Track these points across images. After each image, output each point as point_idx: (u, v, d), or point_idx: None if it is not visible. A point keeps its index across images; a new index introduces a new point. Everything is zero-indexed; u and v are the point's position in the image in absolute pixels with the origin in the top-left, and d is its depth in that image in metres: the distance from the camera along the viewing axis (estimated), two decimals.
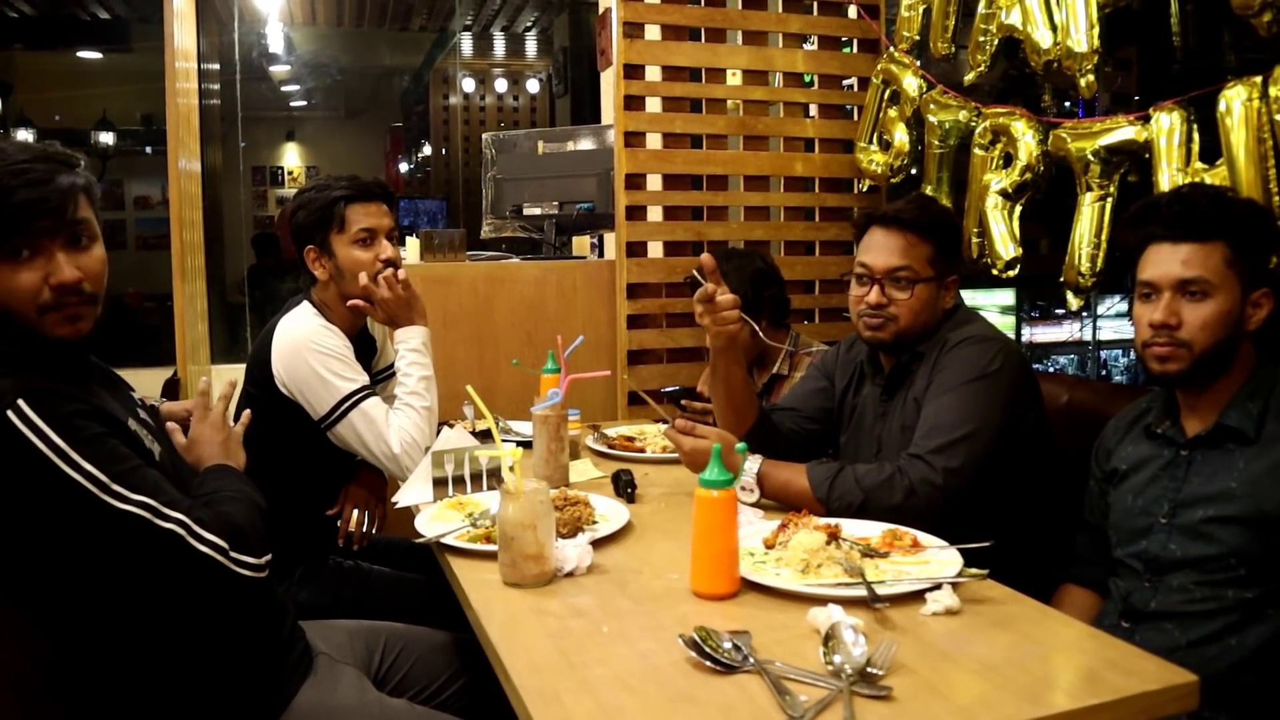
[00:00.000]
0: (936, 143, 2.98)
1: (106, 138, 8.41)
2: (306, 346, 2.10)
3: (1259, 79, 2.09)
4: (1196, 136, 2.27)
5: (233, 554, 1.36)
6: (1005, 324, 9.90)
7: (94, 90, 8.47)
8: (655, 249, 3.25)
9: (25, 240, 1.32)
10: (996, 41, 2.74)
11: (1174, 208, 1.62)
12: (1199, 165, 2.24)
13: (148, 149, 8.47)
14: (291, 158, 9.36)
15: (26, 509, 1.28)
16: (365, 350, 2.32)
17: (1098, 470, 1.83)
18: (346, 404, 2.08)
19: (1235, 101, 2.12)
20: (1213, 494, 1.58)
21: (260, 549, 1.42)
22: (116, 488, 1.29)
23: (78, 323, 1.37)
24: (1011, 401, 1.88)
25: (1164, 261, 1.61)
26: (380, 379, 2.38)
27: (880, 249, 1.98)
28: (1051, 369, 9.93)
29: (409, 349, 2.21)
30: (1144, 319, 1.63)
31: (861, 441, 2.11)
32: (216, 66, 7.62)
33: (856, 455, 2.09)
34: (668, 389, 2.71)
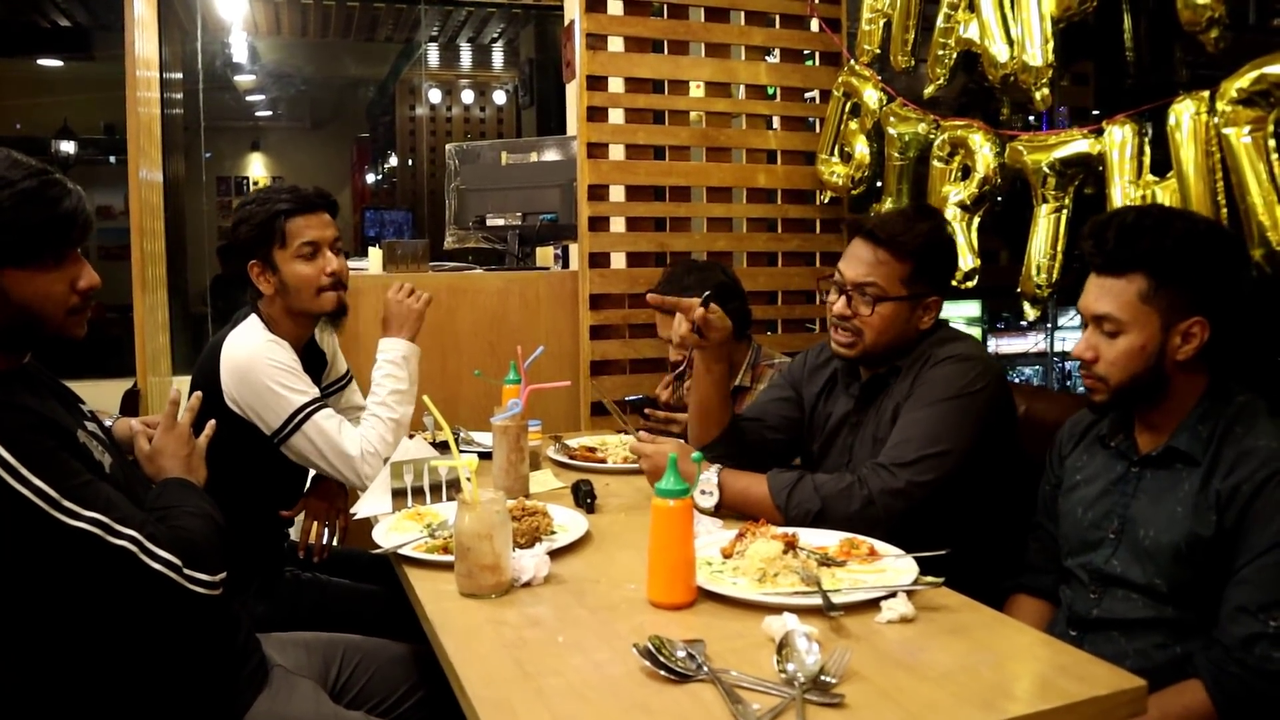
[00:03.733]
0: (896, 155, 3.00)
1: (68, 147, 8.31)
2: (256, 362, 2.05)
3: (1206, 94, 2.11)
4: (1148, 150, 2.30)
5: (186, 571, 1.36)
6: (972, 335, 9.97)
7: (55, 98, 8.37)
8: (618, 260, 3.25)
9: (68, 247, 1.39)
10: (955, 55, 2.77)
11: (1089, 241, 1.60)
12: (1150, 178, 2.26)
13: (110, 158, 8.36)
14: (257, 168, 9.30)
15: None
16: (314, 364, 2.28)
17: (1052, 474, 1.83)
18: (299, 416, 2.04)
19: (1184, 115, 2.14)
20: (1157, 515, 1.58)
21: (215, 567, 1.41)
22: (68, 504, 1.28)
23: (85, 323, 1.46)
24: (988, 422, 1.87)
25: (1087, 293, 1.60)
26: (331, 392, 2.34)
27: (852, 259, 1.96)
28: (1018, 379, 10.03)
29: (386, 359, 2.18)
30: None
31: (832, 451, 2.09)
32: (180, 76, 7.54)
33: (827, 465, 2.08)
34: (630, 398, 2.71)
